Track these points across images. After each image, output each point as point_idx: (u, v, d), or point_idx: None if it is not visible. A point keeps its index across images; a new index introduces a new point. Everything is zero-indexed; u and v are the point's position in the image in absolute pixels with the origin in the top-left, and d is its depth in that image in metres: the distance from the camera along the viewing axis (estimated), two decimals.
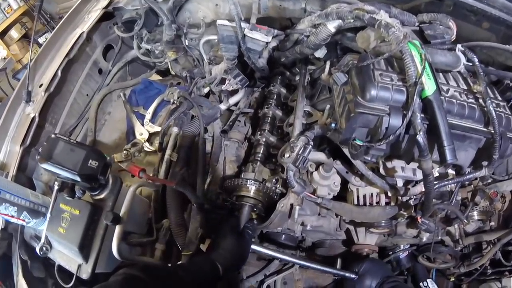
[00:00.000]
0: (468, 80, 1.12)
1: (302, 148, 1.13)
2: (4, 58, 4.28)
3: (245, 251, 1.21)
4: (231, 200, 1.35)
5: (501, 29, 1.20)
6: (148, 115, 1.45)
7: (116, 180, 1.24)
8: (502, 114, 1.05)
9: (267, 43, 1.29)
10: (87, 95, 1.53)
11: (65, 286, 1.31)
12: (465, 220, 1.20)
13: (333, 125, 1.10)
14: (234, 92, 1.48)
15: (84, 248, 1.21)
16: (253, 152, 1.43)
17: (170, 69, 1.53)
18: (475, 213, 1.35)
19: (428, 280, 1.51)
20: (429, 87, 0.96)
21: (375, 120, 1.01)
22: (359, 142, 1.01)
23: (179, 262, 1.25)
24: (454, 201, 1.18)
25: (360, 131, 1.05)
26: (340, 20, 1.13)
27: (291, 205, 1.27)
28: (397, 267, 1.58)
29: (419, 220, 1.11)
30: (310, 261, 1.36)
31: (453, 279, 1.58)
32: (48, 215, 1.27)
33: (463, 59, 1.09)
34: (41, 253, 1.30)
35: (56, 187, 1.27)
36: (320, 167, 1.23)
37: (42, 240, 1.29)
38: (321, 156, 1.19)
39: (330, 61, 1.28)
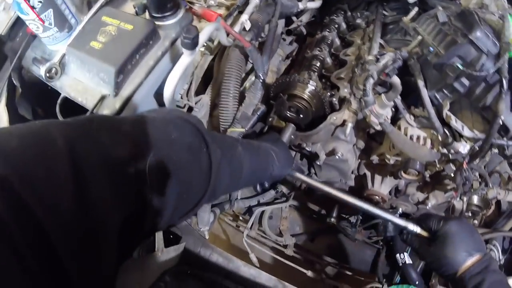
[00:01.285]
0: None
1: (392, 61, 1.16)
2: None
3: (290, 164, 1.14)
4: (281, 98, 1.28)
5: None
6: None
7: (187, 12, 1.09)
8: None
9: None
10: None
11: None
12: (490, 185, 1.34)
13: (431, 49, 1.15)
14: None
15: (123, 74, 0.98)
16: (308, 64, 1.40)
17: None
18: (475, 198, 1.50)
19: (405, 253, 1.57)
20: None
21: (474, 54, 1.09)
22: (460, 66, 1.07)
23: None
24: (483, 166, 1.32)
25: (454, 60, 1.12)
26: None
27: (344, 121, 1.27)
28: (382, 232, 1.65)
29: (465, 166, 1.20)
30: (359, 200, 1.16)
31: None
32: (79, 28, 1.04)
33: None
34: (48, 75, 1.04)
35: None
36: (383, 94, 1.26)
37: (57, 58, 1.05)
38: (396, 80, 1.22)
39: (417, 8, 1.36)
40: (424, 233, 1.06)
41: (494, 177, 1.46)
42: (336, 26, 1.53)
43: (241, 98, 1.19)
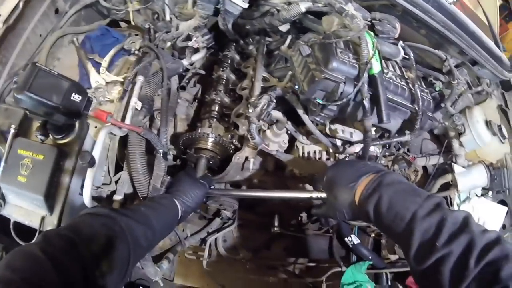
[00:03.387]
0: (402, 69, 1.48)
1: (266, 104, 1.36)
2: None
3: (201, 194, 1.36)
4: (189, 153, 1.51)
5: (434, 37, 1.59)
6: (105, 63, 1.48)
7: (83, 123, 1.29)
8: (425, 97, 1.43)
9: (243, 8, 1.48)
10: (40, 35, 1.48)
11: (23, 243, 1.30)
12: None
13: (296, 87, 1.35)
14: (196, 51, 1.64)
15: (50, 197, 1.23)
16: (208, 110, 1.62)
17: (131, 19, 1.58)
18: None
19: (352, 236, 1.76)
20: (376, 67, 1.27)
21: (332, 85, 1.28)
22: (319, 101, 1.28)
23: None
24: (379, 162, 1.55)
25: (318, 94, 1.32)
26: (311, 3, 1.39)
27: (246, 158, 1.50)
28: (325, 223, 1.89)
29: None
30: (276, 191, 1.44)
31: (373, 235, 1.92)
32: (2, 163, 1.25)
33: (402, 53, 1.45)
34: None
35: (12, 131, 1.27)
36: (274, 125, 1.47)
37: None
38: (278, 114, 1.43)
39: (291, 35, 1.54)
40: (320, 194, 1.17)
41: (400, 161, 1.69)
42: (230, 61, 1.71)
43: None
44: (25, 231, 1.33)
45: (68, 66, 1.54)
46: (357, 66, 1.28)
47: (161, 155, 1.36)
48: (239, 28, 1.65)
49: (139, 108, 1.38)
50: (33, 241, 1.19)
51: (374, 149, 1.54)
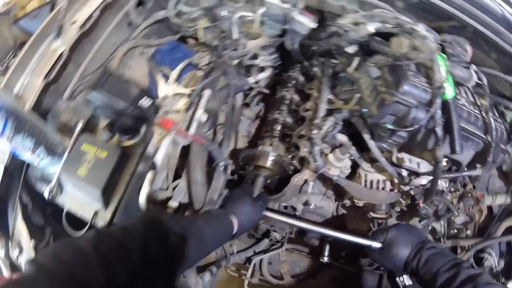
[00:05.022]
0: (474, 96, 1.44)
1: (332, 127, 1.36)
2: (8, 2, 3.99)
3: (257, 215, 1.39)
4: (248, 169, 1.53)
5: (506, 61, 1.52)
6: (174, 75, 1.56)
7: (149, 129, 1.35)
8: (498, 127, 1.37)
9: (311, 28, 1.52)
10: (113, 44, 1.61)
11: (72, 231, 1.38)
12: (456, 212, 1.50)
13: (364, 110, 1.35)
14: (261, 70, 1.68)
15: (107, 193, 1.30)
16: (270, 129, 1.63)
17: (199, 37, 1.66)
18: (457, 218, 1.65)
19: (404, 276, 1.72)
20: (449, 92, 1.24)
21: (404, 110, 1.26)
22: (389, 126, 1.26)
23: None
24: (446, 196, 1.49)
25: (388, 118, 1.30)
26: (381, 24, 1.40)
27: (305, 180, 1.49)
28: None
29: (421, 205, 1.38)
30: (331, 229, 1.46)
31: None
32: (66, 154, 1.34)
33: (475, 77, 1.41)
34: (50, 196, 1.35)
35: (79, 126, 1.35)
36: (337, 149, 1.47)
37: (54, 181, 1.35)
38: (343, 138, 1.43)
39: (358, 57, 1.55)
40: (379, 245, 1.37)
41: (467, 198, 1.62)
42: (294, 82, 1.74)
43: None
44: (74, 221, 1.41)
45: (138, 75, 1.64)
46: (429, 90, 1.25)
47: (222, 168, 1.39)
48: (305, 49, 1.68)
49: (204, 121, 1.42)
50: (83, 235, 1.25)
51: (440, 184, 1.48)
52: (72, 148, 1.33)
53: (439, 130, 1.22)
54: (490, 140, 1.33)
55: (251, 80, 1.63)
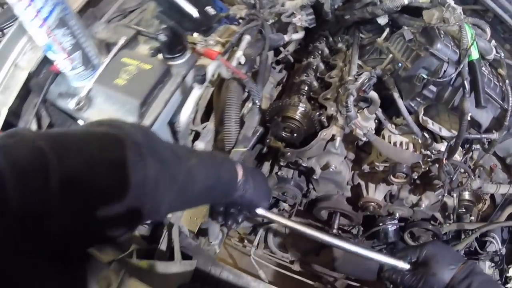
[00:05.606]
0: (493, 67, 1.57)
1: (368, 78, 1.43)
2: None
3: (265, 180, 1.24)
4: (276, 120, 1.54)
5: None
6: None
7: (193, 54, 1.37)
8: None
9: None
10: None
11: None
12: (473, 177, 1.57)
13: (400, 64, 1.43)
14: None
15: (145, 106, 1.26)
16: (297, 89, 1.67)
17: None
18: (466, 193, 1.73)
19: None
20: (474, 55, 1.36)
21: (436, 64, 1.35)
22: (424, 75, 1.35)
23: None
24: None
25: (421, 72, 1.39)
26: None
27: (333, 136, 1.53)
28: (383, 239, 1.86)
29: (444, 162, 1.44)
30: (349, 243, 1.32)
31: None
32: (102, 67, 1.31)
33: (494, 51, 1.55)
34: (77, 108, 1.31)
35: (121, 42, 1.35)
36: (365, 109, 1.53)
37: (84, 92, 1.31)
38: (374, 95, 1.49)
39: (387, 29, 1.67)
40: (407, 266, 1.22)
41: (479, 170, 1.70)
42: (320, 52, 1.82)
43: (241, 123, 1.45)
44: None
45: None
46: (457, 51, 1.35)
47: (258, 106, 1.41)
48: (338, 18, 1.79)
49: (242, 62, 1.46)
50: None
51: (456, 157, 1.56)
52: (110, 61, 1.31)
53: (466, 83, 1.31)
54: (507, 106, 1.44)
55: (286, 38, 1.70)
